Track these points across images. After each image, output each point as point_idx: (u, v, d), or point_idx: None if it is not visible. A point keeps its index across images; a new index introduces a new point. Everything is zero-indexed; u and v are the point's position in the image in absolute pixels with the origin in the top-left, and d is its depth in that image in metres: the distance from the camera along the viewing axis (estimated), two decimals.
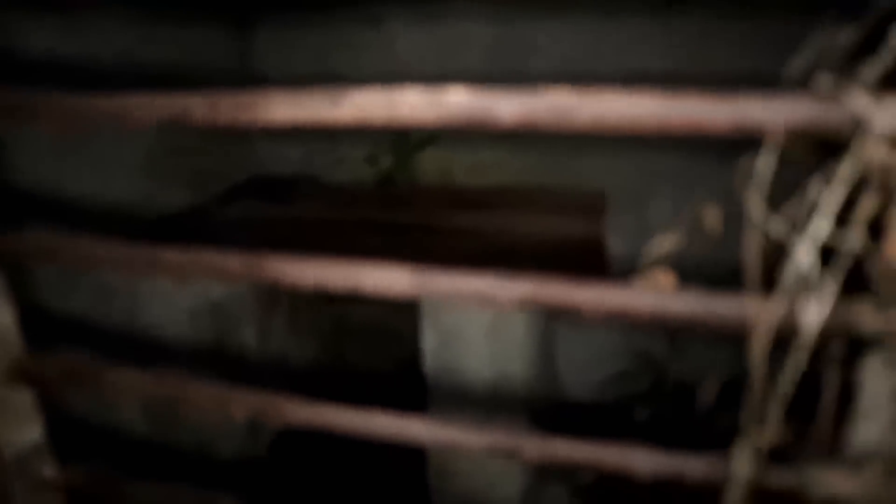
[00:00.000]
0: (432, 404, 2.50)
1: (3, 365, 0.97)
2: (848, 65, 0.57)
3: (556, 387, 3.56)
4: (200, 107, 0.70)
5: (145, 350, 2.73)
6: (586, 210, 2.99)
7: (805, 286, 0.55)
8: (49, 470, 1.04)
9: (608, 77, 3.20)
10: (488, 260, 2.43)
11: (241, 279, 0.78)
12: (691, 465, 0.70)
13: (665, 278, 0.75)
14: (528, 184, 3.42)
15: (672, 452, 0.73)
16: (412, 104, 0.61)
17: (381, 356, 3.65)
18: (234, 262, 0.78)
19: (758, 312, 0.55)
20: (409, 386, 2.80)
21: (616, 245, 2.93)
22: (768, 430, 0.54)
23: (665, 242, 0.77)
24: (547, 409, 3.06)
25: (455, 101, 0.61)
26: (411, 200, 3.34)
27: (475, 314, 2.35)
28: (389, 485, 2.92)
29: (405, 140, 3.48)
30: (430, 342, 2.42)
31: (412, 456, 2.39)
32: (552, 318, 3.20)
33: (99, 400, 2.63)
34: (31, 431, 1.05)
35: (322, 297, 3.16)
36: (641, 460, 0.73)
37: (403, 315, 3.10)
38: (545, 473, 2.86)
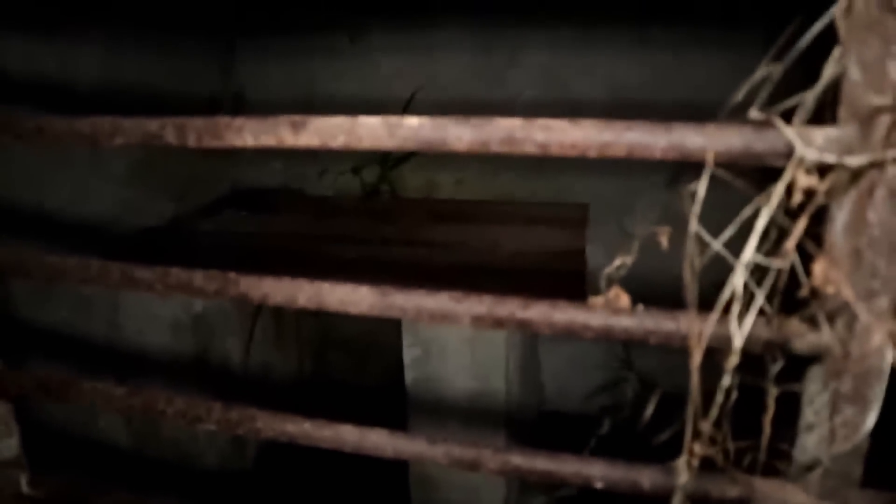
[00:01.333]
0: (412, 416, 2.52)
1: None
2: (782, 96, 0.60)
3: (539, 399, 3.58)
4: (170, 131, 0.73)
5: (126, 363, 2.74)
6: (567, 223, 3.02)
7: (739, 304, 0.58)
8: (25, 482, 1.06)
9: (587, 92, 3.26)
10: (468, 274, 2.46)
11: (210, 296, 0.80)
12: (643, 476, 0.73)
13: (620, 296, 0.78)
14: (512, 197, 3.46)
15: (628, 464, 0.75)
16: (371, 131, 0.64)
17: (365, 368, 3.67)
18: (203, 279, 0.80)
19: (693, 329, 0.58)
20: (393, 398, 2.82)
21: (596, 257, 2.96)
22: (706, 442, 0.56)
23: (620, 262, 0.80)
24: (529, 421, 3.09)
25: (411, 129, 0.64)
26: (394, 213, 3.37)
27: (456, 326, 2.37)
28: (373, 496, 2.93)
29: (390, 154, 3.51)
30: (410, 354, 2.44)
31: (396, 467, 2.41)
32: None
33: (80, 412, 2.63)
34: (6, 445, 1.07)
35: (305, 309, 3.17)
36: (597, 471, 0.75)
37: (388, 327, 3.13)
38: (528, 485, 2.87)
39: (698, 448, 0.54)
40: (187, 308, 2.76)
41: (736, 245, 0.62)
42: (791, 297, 0.63)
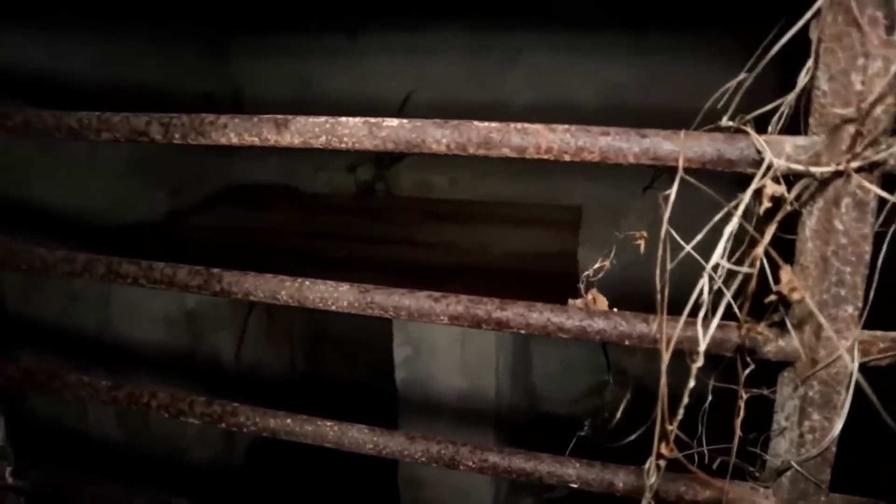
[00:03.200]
0: (402, 414, 2.53)
1: None
2: (753, 106, 0.61)
3: (531, 400, 3.59)
4: (156, 128, 0.74)
5: (117, 357, 2.74)
6: (560, 224, 3.03)
7: (711, 310, 0.59)
8: (10, 473, 1.06)
9: (582, 91, 3.27)
10: (459, 275, 2.47)
11: (193, 291, 0.81)
12: (619, 478, 0.74)
13: (597, 298, 0.80)
14: (505, 198, 3.46)
15: (603, 464, 0.76)
16: (351, 131, 0.65)
17: (357, 364, 3.67)
18: (187, 274, 0.81)
19: (664, 333, 0.59)
20: (384, 394, 2.83)
21: (589, 259, 2.97)
22: (674, 444, 0.57)
23: (599, 265, 0.81)
24: (520, 422, 3.10)
25: (391, 129, 0.65)
26: (388, 212, 3.38)
27: (442, 325, 2.38)
28: (362, 492, 2.94)
29: (385, 153, 3.52)
30: (400, 353, 2.45)
31: (386, 465, 2.42)
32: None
33: (70, 406, 2.64)
34: None
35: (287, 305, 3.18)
36: (573, 471, 0.76)
37: (379, 324, 3.13)
38: (517, 486, 2.88)
39: (665, 450, 0.55)
40: (180, 304, 2.77)
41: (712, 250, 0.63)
42: (764, 304, 0.64)
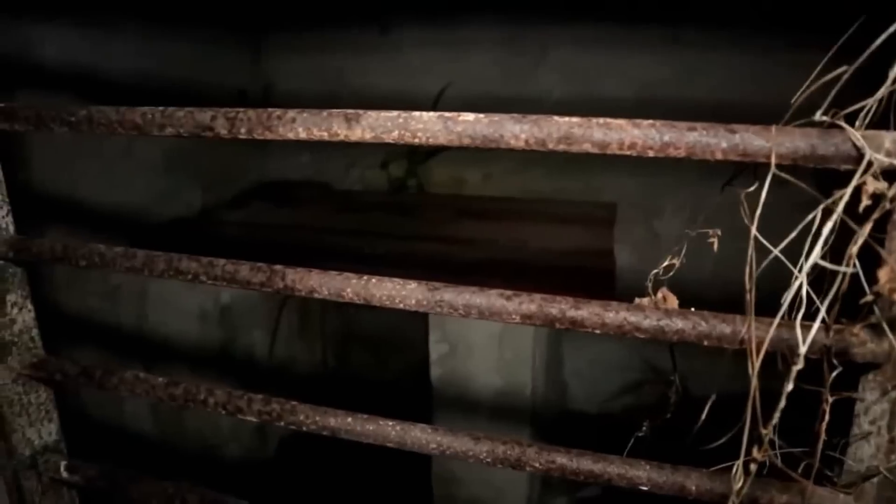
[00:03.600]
0: (437, 411, 2.52)
1: (24, 364, 1.00)
2: (847, 99, 0.59)
3: (563, 396, 3.57)
4: (222, 123, 0.73)
5: (153, 351, 2.76)
6: (595, 221, 3.01)
7: (801, 310, 0.57)
8: (64, 468, 1.07)
9: (614, 91, 3.24)
10: (496, 271, 2.45)
11: (255, 288, 0.80)
12: (692, 480, 0.72)
13: (668, 297, 0.78)
14: (539, 194, 3.44)
15: (674, 467, 0.75)
16: (425, 126, 0.64)
17: (388, 363, 3.67)
18: (249, 271, 0.80)
19: (753, 335, 0.57)
20: (416, 392, 2.82)
21: (624, 256, 2.94)
22: (764, 447, 0.56)
23: (669, 262, 0.79)
24: (553, 420, 3.08)
25: (468, 124, 0.63)
26: (422, 209, 3.37)
27: (483, 322, 2.37)
28: (394, 489, 2.94)
29: (417, 148, 3.51)
30: (437, 350, 2.44)
31: (417, 462, 2.41)
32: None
33: (107, 400, 2.66)
34: (46, 430, 1.08)
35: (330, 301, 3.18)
36: (644, 473, 0.74)
37: (413, 321, 3.13)
38: (550, 484, 2.87)
39: (758, 454, 0.53)
40: (215, 299, 2.78)
41: (789, 248, 0.61)
42: (850, 303, 0.62)
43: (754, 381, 0.55)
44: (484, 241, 2.81)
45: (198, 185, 3.24)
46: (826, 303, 0.55)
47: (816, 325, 0.55)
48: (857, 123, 0.64)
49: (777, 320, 0.59)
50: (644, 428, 0.94)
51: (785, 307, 0.59)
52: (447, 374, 2.46)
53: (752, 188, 0.62)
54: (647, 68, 3.19)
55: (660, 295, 0.78)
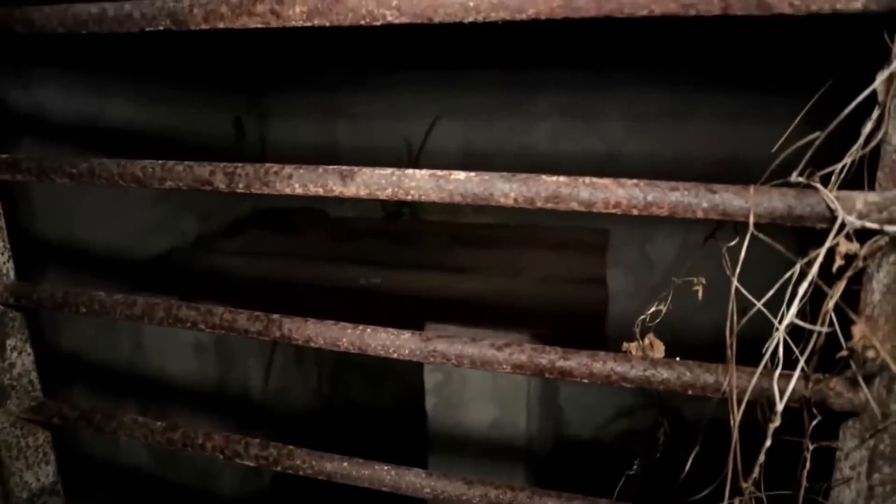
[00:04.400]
0: (432, 441, 2.52)
1: (22, 408, 1.01)
2: (821, 161, 0.61)
3: (559, 422, 3.58)
4: (220, 178, 0.75)
5: (149, 382, 2.76)
6: (587, 247, 3.03)
7: (779, 361, 0.59)
8: None
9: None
10: (488, 302, 2.47)
11: (253, 337, 0.82)
12: None
13: (655, 344, 0.80)
14: (532, 220, 3.47)
15: None
16: (418, 184, 0.66)
17: (383, 391, 3.67)
18: (247, 320, 0.82)
19: (734, 387, 0.59)
20: (411, 420, 2.82)
21: (617, 281, 2.97)
22: (746, 492, 0.57)
23: (655, 309, 0.81)
24: (548, 445, 3.08)
25: (458, 182, 0.65)
26: (416, 236, 3.39)
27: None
28: None
29: None
30: (431, 379, 2.45)
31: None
32: None
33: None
34: (43, 472, 1.09)
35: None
36: None
37: None
38: None
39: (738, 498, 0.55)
40: None
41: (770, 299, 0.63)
42: (830, 352, 0.64)
43: (735, 434, 0.57)
44: (477, 268, 2.84)
45: (193, 213, 3.26)
46: (805, 356, 0.57)
47: (795, 377, 0.57)
48: (832, 180, 0.66)
49: (759, 371, 0.61)
50: (634, 467, 0.96)
51: (766, 358, 0.61)
52: (442, 402, 2.47)
53: (733, 242, 0.65)
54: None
55: (647, 341, 0.80)
